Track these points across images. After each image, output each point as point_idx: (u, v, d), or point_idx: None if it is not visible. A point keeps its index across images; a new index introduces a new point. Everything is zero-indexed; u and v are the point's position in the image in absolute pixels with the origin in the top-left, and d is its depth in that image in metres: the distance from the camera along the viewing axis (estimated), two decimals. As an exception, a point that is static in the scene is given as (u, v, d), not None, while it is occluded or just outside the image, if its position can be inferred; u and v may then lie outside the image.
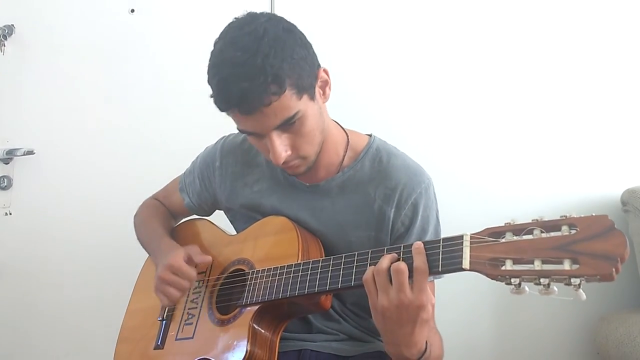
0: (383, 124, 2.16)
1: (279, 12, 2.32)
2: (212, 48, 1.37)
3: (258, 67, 1.25)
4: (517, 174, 2.31)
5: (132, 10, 2.39)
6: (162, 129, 2.38)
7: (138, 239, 1.75)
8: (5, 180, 2.35)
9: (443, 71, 2.34)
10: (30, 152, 2.33)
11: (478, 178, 2.31)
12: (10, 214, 2.36)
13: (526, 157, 2.31)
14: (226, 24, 2.33)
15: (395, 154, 1.55)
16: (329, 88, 1.44)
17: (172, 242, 1.61)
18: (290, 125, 1.32)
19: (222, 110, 1.33)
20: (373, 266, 1.19)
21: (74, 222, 2.35)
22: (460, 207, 2.19)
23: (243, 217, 1.62)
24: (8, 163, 2.35)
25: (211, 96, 1.33)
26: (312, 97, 1.36)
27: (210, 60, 1.35)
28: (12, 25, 2.34)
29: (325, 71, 1.42)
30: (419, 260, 1.14)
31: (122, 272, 1.76)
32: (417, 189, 1.49)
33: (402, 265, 1.14)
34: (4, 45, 2.32)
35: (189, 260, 1.49)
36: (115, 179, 2.33)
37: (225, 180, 1.65)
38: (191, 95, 2.36)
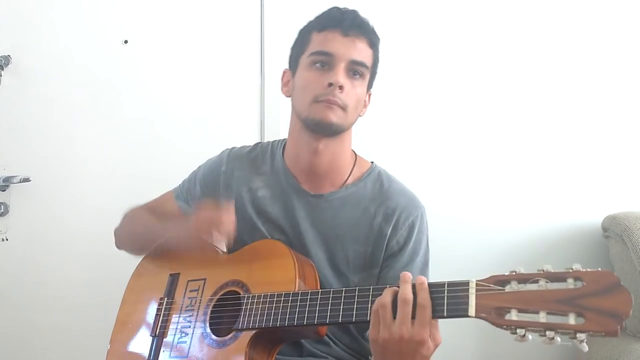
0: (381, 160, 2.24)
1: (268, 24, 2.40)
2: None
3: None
4: (499, 201, 2.37)
5: (126, 42, 2.42)
6: (155, 157, 2.41)
7: (130, 233, 1.77)
8: (2, 206, 2.36)
9: (441, 112, 2.40)
10: (27, 180, 2.34)
11: (460, 204, 2.37)
12: (7, 240, 2.38)
13: (507, 184, 2.37)
14: (218, 54, 2.40)
15: (395, 180, 1.68)
16: (365, 109, 1.63)
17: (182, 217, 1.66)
18: (356, 75, 1.53)
19: (323, 27, 1.54)
20: (390, 293, 1.22)
21: (69, 248, 2.38)
22: (443, 233, 2.19)
23: (245, 224, 1.63)
24: (4, 190, 2.37)
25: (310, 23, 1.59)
26: (369, 86, 1.60)
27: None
28: (9, 55, 2.35)
29: (370, 95, 1.63)
30: (422, 297, 1.17)
31: (118, 299, 1.77)
32: (414, 212, 1.60)
33: (409, 296, 1.18)
34: (1, 75, 2.33)
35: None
36: (110, 206, 2.28)
37: (231, 185, 1.69)
38: (185, 124, 2.43)
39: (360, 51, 1.52)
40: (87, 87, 2.42)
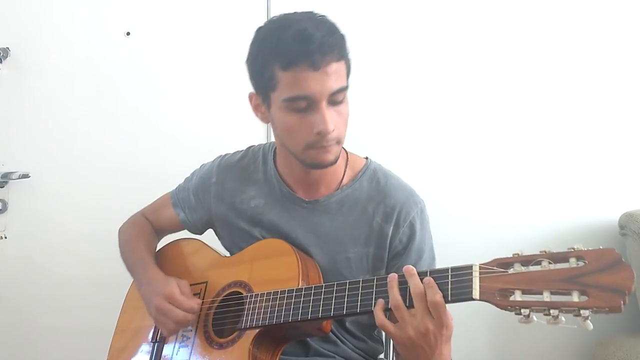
0: (382, 149, 2.18)
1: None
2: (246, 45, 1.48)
3: (333, 25, 1.39)
4: (514, 199, 2.33)
5: (128, 33, 2.40)
6: (157, 153, 2.38)
7: (122, 257, 1.73)
8: (0, 203, 2.34)
9: (444, 103, 2.36)
10: (26, 176, 2.33)
11: (474, 203, 2.33)
12: (5, 237, 2.35)
13: (523, 182, 2.33)
14: (220, 47, 2.36)
15: (391, 175, 1.60)
16: None
17: (158, 272, 1.57)
18: (338, 102, 1.38)
19: (288, 65, 1.33)
20: (397, 291, 1.20)
21: (69, 246, 2.35)
22: (456, 231, 2.23)
23: (240, 234, 1.60)
24: (3, 186, 2.35)
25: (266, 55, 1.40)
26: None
27: (268, 27, 1.45)
28: (7, 48, 2.34)
29: None
30: (436, 295, 1.15)
31: (119, 297, 1.74)
32: (414, 208, 1.54)
33: (422, 288, 1.16)
34: (-1, 68, 2.33)
35: (182, 293, 1.48)
36: (110, 203, 2.33)
37: (222, 196, 1.65)
38: (188, 119, 2.40)
39: (337, 78, 1.36)
40: (88, 80, 2.39)
